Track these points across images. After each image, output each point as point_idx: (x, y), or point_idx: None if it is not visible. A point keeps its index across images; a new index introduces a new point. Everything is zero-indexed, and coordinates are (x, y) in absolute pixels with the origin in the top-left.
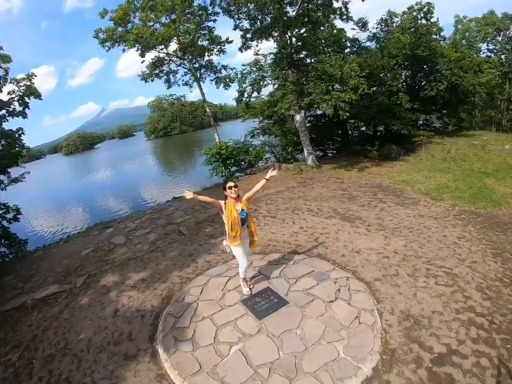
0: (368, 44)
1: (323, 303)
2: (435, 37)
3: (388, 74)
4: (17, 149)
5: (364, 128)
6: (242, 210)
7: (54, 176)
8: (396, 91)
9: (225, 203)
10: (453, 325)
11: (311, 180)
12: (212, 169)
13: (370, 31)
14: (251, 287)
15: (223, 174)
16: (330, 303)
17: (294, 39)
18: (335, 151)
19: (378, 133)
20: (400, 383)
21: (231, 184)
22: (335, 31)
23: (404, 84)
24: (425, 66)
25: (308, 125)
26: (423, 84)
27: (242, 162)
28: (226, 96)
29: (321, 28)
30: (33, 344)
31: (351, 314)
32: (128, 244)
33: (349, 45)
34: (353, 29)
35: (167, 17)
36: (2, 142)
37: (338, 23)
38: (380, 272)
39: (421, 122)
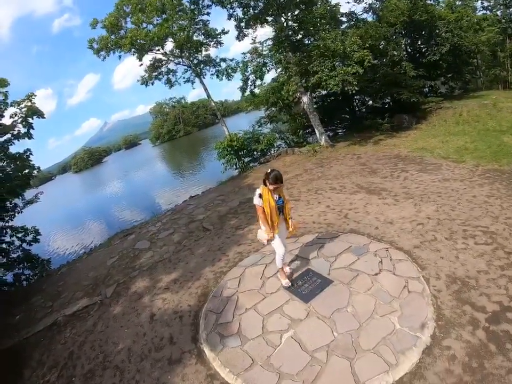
0: (364, 15)
1: (368, 276)
2: (430, 2)
3: (389, 44)
4: (27, 170)
5: (371, 102)
6: (279, 198)
7: (67, 194)
8: (399, 60)
9: (260, 195)
10: (501, 281)
11: (327, 159)
12: (225, 162)
13: (365, 2)
14: (290, 270)
15: (237, 166)
16: (375, 276)
17: (290, 21)
18: (345, 130)
19: (387, 105)
20: (461, 347)
21: (279, 183)
22: (329, 7)
23: (405, 52)
24: (423, 33)
25: (314, 106)
26: (424, 50)
27: (255, 152)
28: (226, 93)
29: (317, 6)
30: (71, 362)
31: (399, 284)
32: (153, 248)
33: (345, 19)
34: (348, 2)
35: (159, 18)
36: (12, 166)
37: None
38: (417, 240)
39: (427, 90)
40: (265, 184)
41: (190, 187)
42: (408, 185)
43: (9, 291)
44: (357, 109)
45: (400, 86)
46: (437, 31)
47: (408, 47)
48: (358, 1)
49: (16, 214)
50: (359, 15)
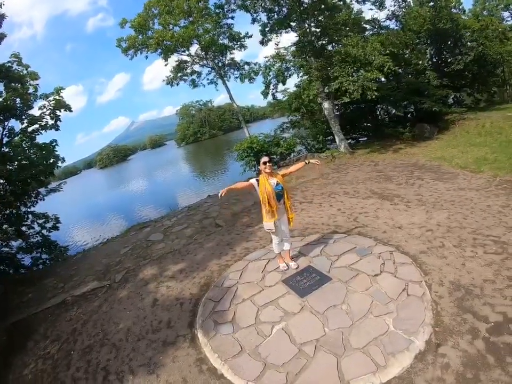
0: (387, 23)
1: (368, 277)
2: (455, 10)
3: (413, 53)
4: (52, 160)
5: (394, 111)
6: (278, 184)
7: (92, 188)
8: (423, 69)
9: (257, 180)
10: (507, 292)
11: (345, 165)
12: (244, 164)
13: (388, 9)
14: (295, 266)
15: (256, 168)
16: (375, 277)
17: (313, 27)
18: (366, 138)
19: (409, 114)
20: (457, 355)
21: (265, 159)
22: (352, 15)
23: (430, 61)
24: (448, 42)
25: (337, 113)
26: (449, 60)
27: (274, 155)
28: (252, 99)
29: (339, 14)
30: (72, 337)
31: (398, 286)
32: (166, 240)
33: (368, 27)
34: (371, 9)
35: (185, 20)
36: (38, 155)
37: (355, 5)
38: (424, 245)
39: (451, 101)
40: (259, 172)
41: (209, 186)
42: (422, 193)
43: (26, 273)
44: (380, 117)
45: (423, 95)
46: (462, 40)
47: (433, 57)
48: (380, 8)
49: (38, 201)
50: (382, 21)
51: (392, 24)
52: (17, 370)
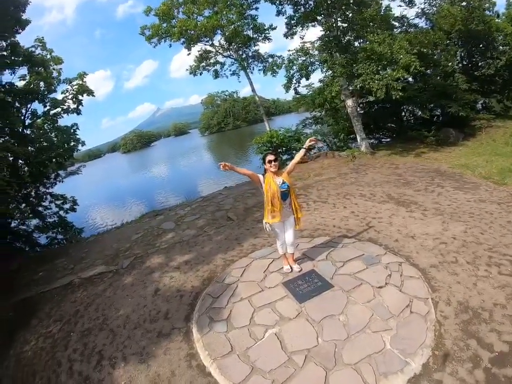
0: (417, 21)
1: (371, 288)
2: (488, 13)
3: (442, 54)
4: (72, 143)
5: (419, 113)
6: (283, 183)
7: (113, 171)
8: (451, 72)
9: (264, 176)
10: None
11: (364, 166)
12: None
13: (418, 7)
14: (298, 269)
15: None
16: (379, 289)
17: (339, 22)
18: (389, 139)
19: (435, 117)
20: None
21: (270, 157)
22: (382, 11)
23: (459, 64)
24: (481, 45)
25: (361, 112)
26: (480, 64)
27: (294, 151)
28: (278, 92)
29: (368, 9)
30: (74, 319)
31: (402, 302)
32: (177, 229)
33: (397, 24)
34: (400, 5)
35: (210, 10)
36: (59, 138)
37: (385, 1)
38: (436, 259)
39: (480, 106)
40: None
41: (227, 178)
42: (441, 201)
43: (41, 251)
44: (405, 118)
45: (450, 98)
46: (494, 44)
47: (464, 59)
48: (410, 5)
49: (57, 183)
50: (411, 19)
51: (421, 23)
52: (18, 346)
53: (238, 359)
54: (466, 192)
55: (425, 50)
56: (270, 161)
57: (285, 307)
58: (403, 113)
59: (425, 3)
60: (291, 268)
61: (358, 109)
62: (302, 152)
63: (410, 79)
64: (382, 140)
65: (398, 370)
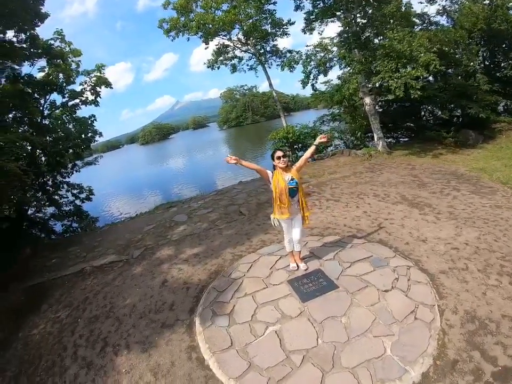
0: (437, 18)
1: (377, 291)
2: None
3: (464, 53)
4: (90, 134)
5: (439, 113)
6: (292, 179)
7: (130, 162)
8: (473, 72)
9: (273, 173)
10: None
11: (380, 165)
12: None
13: (439, 4)
14: (304, 268)
15: (290, 158)
16: (384, 292)
17: (358, 18)
18: (407, 139)
19: (454, 118)
20: None
21: (279, 153)
22: (403, 8)
23: (481, 64)
24: (504, 45)
25: (379, 110)
26: (502, 64)
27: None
28: (298, 87)
29: (388, 6)
30: (83, 305)
31: (407, 307)
32: (189, 222)
33: (418, 21)
34: (421, 2)
35: (228, 4)
36: (77, 128)
37: None
38: (446, 264)
39: (501, 108)
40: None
41: (243, 172)
42: (456, 205)
43: (55, 239)
44: (424, 118)
45: (471, 99)
46: None
47: (486, 59)
48: (430, 1)
49: (74, 172)
50: (432, 16)
51: (442, 20)
52: (27, 329)
53: (237, 354)
54: (482, 197)
55: (446, 48)
56: (278, 158)
57: (287, 305)
58: (422, 113)
59: (446, 0)
60: (297, 266)
61: (377, 107)
62: (312, 148)
63: (430, 78)
64: (400, 139)
65: (396, 377)
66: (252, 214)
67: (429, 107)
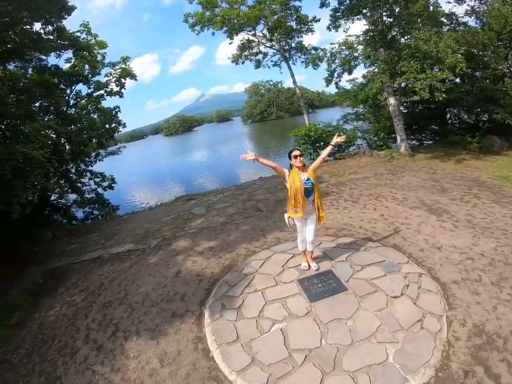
0: (466, 19)
1: (385, 297)
2: None
3: (492, 56)
4: (114, 124)
5: (465, 117)
6: (308, 179)
7: (154, 153)
8: (501, 75)
9: (289, 172)
10: None
11: (402, 168)
12: None
13: (468, 4)
14: (315, 268)
15: (312, 156)
16: (393, 299)
17: (385, 16)
18: (431, 141)
19: (480, 123)
20: None
21: (296, 153)
22: (431, 7)
23: (510, 68)
24: None
25: (404, 111)
26: None
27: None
28: (324, 84)
29: (415, 5)
30: (98, 291)
31: (414, 316)
32: (206, 215)
33: (446, 21)
34: (449, 2)
35: (253, 0)
36: (101, 118)
37: None
38: (459, 274)
39: None
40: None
41: (263, 168)
42: (475, 214)
43: (76, 225)
44: (450, 122)
45: (498, 104)
46: None
47: None
48: (459, 1)
49: (97, 161)
50: (460, 17)
51: (471, 21)
52: (43, 311)
53: (241, 348)
54: (503, 207)
55: (474, 50)
56: (295, 157)
57: (295, 304)
58: (448, 116)
59: (475, 0)
60: (309, 265)
61: (401, 108)
62: (329, 148)
63: (457, 80)
64: (424, 142)
65: None
66: (270, 210)
67: (455, 110)
